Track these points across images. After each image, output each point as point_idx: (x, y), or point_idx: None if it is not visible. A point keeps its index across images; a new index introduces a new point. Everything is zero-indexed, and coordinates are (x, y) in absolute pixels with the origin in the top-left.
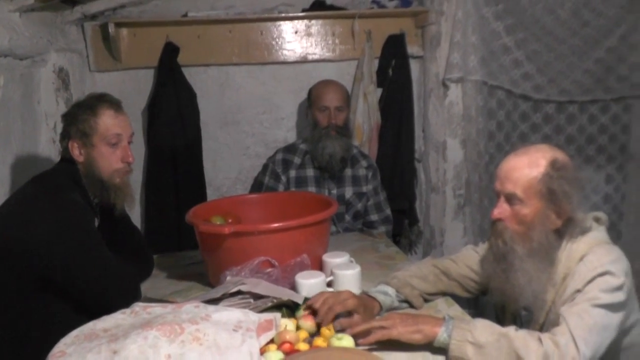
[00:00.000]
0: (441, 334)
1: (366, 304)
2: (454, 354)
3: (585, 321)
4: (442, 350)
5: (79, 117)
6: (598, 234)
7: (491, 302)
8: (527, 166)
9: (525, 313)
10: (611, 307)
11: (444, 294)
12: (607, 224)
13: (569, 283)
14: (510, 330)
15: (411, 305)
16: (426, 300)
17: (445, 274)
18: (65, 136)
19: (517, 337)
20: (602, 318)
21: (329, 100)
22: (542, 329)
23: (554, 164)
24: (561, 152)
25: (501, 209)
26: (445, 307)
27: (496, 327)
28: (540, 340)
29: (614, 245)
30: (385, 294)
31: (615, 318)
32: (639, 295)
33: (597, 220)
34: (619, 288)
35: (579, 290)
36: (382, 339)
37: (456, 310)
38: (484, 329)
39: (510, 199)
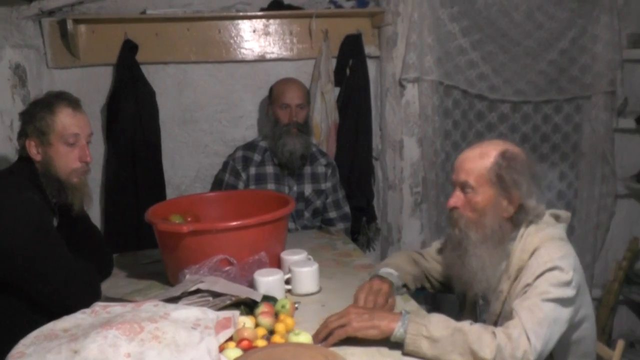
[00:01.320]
0: (397, 329)
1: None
2: (408, 348)
3: (536, 315)
4: (398, 344)
5: (36, 115)
6: (553, 230)
7: (452, 294)
8: (479, 156)
9: (483, 303)
10: (560, 302)
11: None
12: (567, 222)
13: (522, 276)
14: (465, 324)
15: (407, 288)
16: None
17: (417, 264)
18: (22, 134)
19: (471, 331)
20: (552, 312)
21: (290, 98)
22: (498, 319)
23: (503, 154)
24: (513, 146)
25: (456, 198)
26: (402, 303)
27: (451, 322)
28: (494, 334)
29: (566, 242)
30: (391, 274)
31: (565, 312)
32: (589, 290)
33: (557, 217)
34: (567, 283)
35: (529, 284)
36: (341, 337)
37: (412, 305)
38: (439, 324)
39: (464, 187)
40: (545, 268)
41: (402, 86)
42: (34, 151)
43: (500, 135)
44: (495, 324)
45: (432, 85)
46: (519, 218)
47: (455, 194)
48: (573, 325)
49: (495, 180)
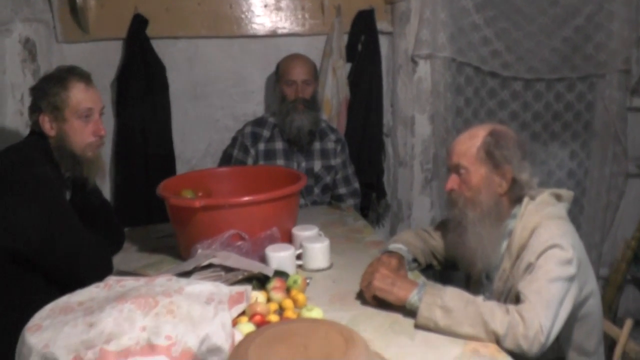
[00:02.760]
0: (412, 297)
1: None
2: (423, 315)
3: (544, 297)
4: (411, 321)
5: (49, 90)
6: (553, 209)
7: (459, 274)
8: (469, 138)
9: (487, 282)
10: (564, 280)
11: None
12: (569, 201)
13: (524, 255)
14: (479, 298)
15: (418, 264)
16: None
17: (425, 241)
18: (35, 110)
19: (485, 305)
20: (558, 292)
21: (296, 74)
22: (501, 297)
23: (491, 133)
24: (502, 126)
25: (452, 181)
26: (413, 279)
27: (465, 295)
28: (507, 310)
29: (566, 220)
30: (400, 249)
31: (570, 290)
32: (594, 268)
33: (558, 197)
34: (569, 261)
35: (531, 263)
36: (370, 296)
37: (423, 281)
38: (454, 295)
39: (457, 169)
40: (546, 246)
41: (415, 62)
42: (47, 126)
43: (512, 113)
44: (499, 301)
45: (445, 62)
46: (514, 193)
47: (451, 178)
48: (579, 302)
49: (485, 158)
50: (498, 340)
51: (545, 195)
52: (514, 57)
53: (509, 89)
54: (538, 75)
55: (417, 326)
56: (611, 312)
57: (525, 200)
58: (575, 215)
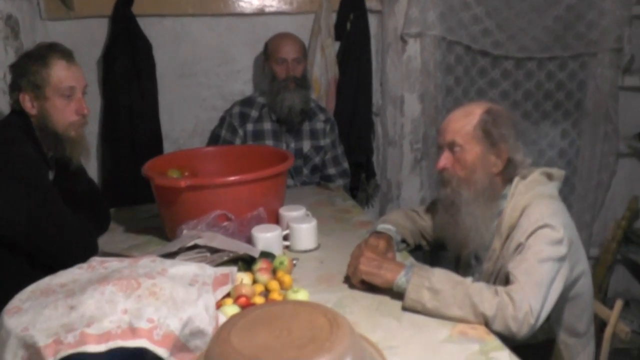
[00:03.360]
0: (399, 279)
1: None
2: (410, 297)
3: (534, 278)
4: (398, 303)
5: (29, 68)
6: (544, 188)
7: (448, 255)
8: (464, 116)
9: (475, 263)
10: (555, 260)
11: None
12: (560, 180)
13: (514, 235)
14: (467, 280)
15: (407, 244)
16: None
17: (413, 221)
18: (15, 88)
19: (473, 286)
20: (548, 273)
21: (287, 52)
22: (491, 278)
23: (488, 111)
24: (496, 105)
25: (444, 159)
26: (401, 260)
27: (454, 276)
28: (496, 292)
29: (557, 199)
30: (389, 230)
31: (561, 271)
32: (585, 248)
33: (549, 176)
34: (559, 241)
35: (521, 243)
36: (357, 281)
37: (412, 262)
38: (442, 277)
39: (451, 146)
40: (536, 226)
41: (404, 41)
42: (28, 105)
43: (503, 92)
44: (488, 282)
45: (435, 41)
46: (508, 173)
47: (443, 156)
48: (570, 283)
49: (482, 136)
50: (487, 322)
51: (535, 175)
52: (504, 35)
53: (500, 67)
54: (529, 54)
55: (405, 308)
56: (601, 292)
57: (516, 179)
58: (566, 194)
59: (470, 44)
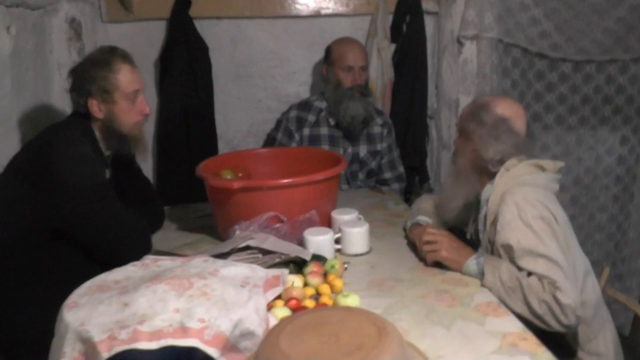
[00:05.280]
0: (471, 261)
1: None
2: (488, 277)
3: (547, 264)
4: (449, 310)
5: (97, 74)
6: (529, 177)
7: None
8: (467, 105)
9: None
10: (550, 233)
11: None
12: (554, 171)
13: (499, 223)
14: (524, 274)
15: None
16: None
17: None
18: (83, 93)
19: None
20: (555, 253)
21: (354, 60)
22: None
23: (474, 102)
24: (496, 99)
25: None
26: None
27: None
28: (544, 288)
29: (542, 188)
30: (427, 222)
31: (561, 238)
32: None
33: (541, 168)
34: (541, 217)
35: (506, 237)
36: (432, 260)
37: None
38: (508, 267)
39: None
40: (515, 214)
41: (460, 43)
42: (96, 109)
43: (560, 96)
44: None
45: (491, 43)
46: (480, 165)
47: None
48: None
49: (460, 127)
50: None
51: (522, 166)
52: (563, 37)
53: (558, 71)
54: (588, 57)
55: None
56: None
57: (502, 170)
58: (625, 202)
59: (528, 47)
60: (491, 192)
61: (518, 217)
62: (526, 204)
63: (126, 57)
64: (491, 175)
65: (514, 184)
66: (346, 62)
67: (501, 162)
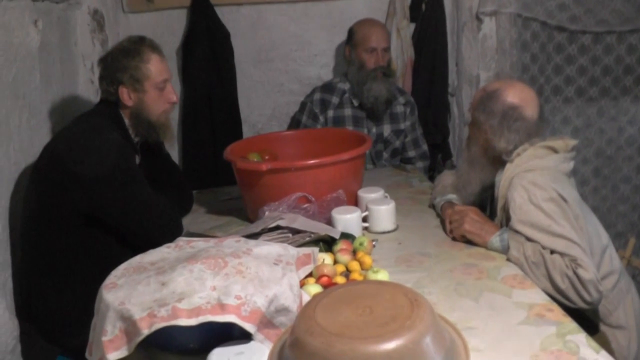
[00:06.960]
0: (495, 237)
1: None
2: (512, 253)
3: (565, 244)
4: (477, 283)
5: (129, 64)
6: (539, 161)
7: None
8: (478, 91)
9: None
10: (562, 216)
11: None
12: (565, 151)
13: (511, 209)
14: (547, 252)
15: None
16: None
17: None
18: (114, 82)
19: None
20: (569, 232)
21: (377, 42)
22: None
23: (484, 89)
24: (506, 84)
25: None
26: None
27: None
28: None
29: (552, 170)
30: (455, 199)
31: (571, 216)
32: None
33: (552, 149)
34: (550, 199)
35: (516, 221)
36: (457, 234)
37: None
38: (532, 244)
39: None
40: (525, 198)
41: (479, 20)
42: (126, 97)
43: (580, 68)
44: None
45: (510, 18)
46: (492, 153)
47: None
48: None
49: (471, 116)
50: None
51: (533, 150)
52: (582, 9)
53: (577, 43)
54: (608, 28)
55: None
56: None
57: (514, 154)
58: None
59: (547, 20)
60: (501, 177)
61: (529, 201)
62: (535, 188)
63: (155, 47)
64: (504, 162)
65: (521, 169)
66: (369, 43)
67: (514, 149)
